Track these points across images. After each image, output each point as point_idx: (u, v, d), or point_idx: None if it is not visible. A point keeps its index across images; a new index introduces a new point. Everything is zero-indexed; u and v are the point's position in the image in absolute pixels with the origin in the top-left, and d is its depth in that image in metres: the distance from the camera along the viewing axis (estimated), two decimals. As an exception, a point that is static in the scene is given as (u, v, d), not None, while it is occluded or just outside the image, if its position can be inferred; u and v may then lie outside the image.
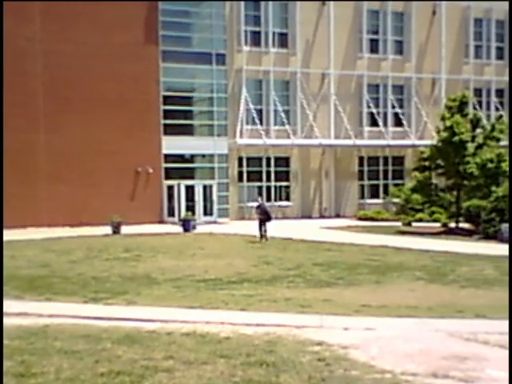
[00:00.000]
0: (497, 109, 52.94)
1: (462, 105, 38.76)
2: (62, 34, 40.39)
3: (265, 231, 31.56)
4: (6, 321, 12.68)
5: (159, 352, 10.22)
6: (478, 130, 39.23)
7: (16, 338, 11.21)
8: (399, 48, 52.23)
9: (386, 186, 51.44)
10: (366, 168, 51.37)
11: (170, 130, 43.33)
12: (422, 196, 40.84)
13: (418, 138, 51.14)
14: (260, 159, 48.14)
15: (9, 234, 32.67)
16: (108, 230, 36.08)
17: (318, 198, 50.29)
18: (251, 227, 35.22)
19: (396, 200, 46.20)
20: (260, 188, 48.22)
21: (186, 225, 37.99)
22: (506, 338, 11.21)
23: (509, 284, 16.29)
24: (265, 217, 32.40)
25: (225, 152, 45.38)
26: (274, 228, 33.47)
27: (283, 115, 48.16)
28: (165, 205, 43.91)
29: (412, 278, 20.08)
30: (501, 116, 42.87)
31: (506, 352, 10.25)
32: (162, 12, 43.12)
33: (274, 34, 48.41)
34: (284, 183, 49.19)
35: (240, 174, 47.50)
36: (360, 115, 51.13)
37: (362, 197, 51.39)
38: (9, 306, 14.43)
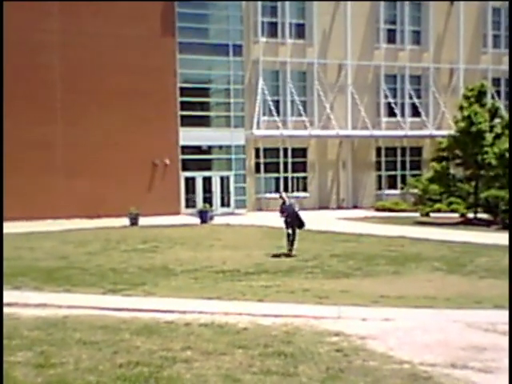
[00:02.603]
0: (515, 98, 52.56)
1: (480, 94, 38.52)
2: (79, 26, 40.49)
3: (292, 240, 22.67)
4: (26, 311, 12.77)
5: (177, 343, 10.24)
6: (497, 120, 38.98)
7: (35, 328, 11.28)
8: (417, 38, 51.95)
9: (403, 177, 51.26)
10: (383, 159, 51.19)
11: (187, 122, 43.37)
12: (440, 186, 40.63)
13: (436, 128, 50.91)
14: (277, 150, 48.10)
15: (27, 226, 32.91)
16: (126, 221, 36.18)
17: (336, 188, 50.21)
18: (268, 218, 35.19)
19: (414, 191, 45.97)
20: (277, 179, 48.21)
21: (204, 216, 38.01)
22: (525, 328, 11.15)
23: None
24: (293, 220, 22.86)
25: (242, 143, 45.38)
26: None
27: (300, 106, 48.09)
28: (182, 196, 43.99)
29: (430, 268, 20.00)
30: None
31: (525, 342, 10.20)
32: (178, 3, 43.15)
33: (290, 24, 48.30)
34: (301, 174, 49.13)
35: (257, 165, 47.49)
36: (377, 106, 50.95)
37: (380, 187, 51.25)
38: (28, 297, 14.54)
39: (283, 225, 23.23)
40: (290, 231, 22.68)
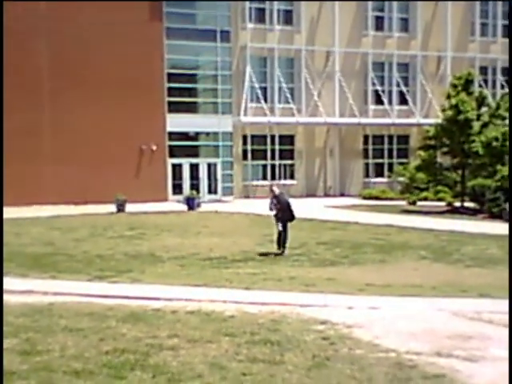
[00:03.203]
0: (502, 87, 52.66)
1: (468, 83, 38.54)
2: (66, 12, 40.21)
3: (284, 239, 20.41)
4: (12, 298, 12.73)
5: (164, 330, 10.25)
6: (484, 109, 39.02)
7: (21, 315, 11.26)
8: (404, 26, 51.92)
9: (390, 165, 51.36)
10: (370, 146, 51.27)
11: (175, 108, 43.26)
12: (427, 175, 40.72)
13: (423, 116, 51.00)
14: (264, 137, 48.05)
15: (13, 212, 32.77)
16: (112, 208, 36.09)
17: (323, 176, 50.27)
18: (255, 205, 35.20)
19: (401, 179, 46.09)
20: (264, 166, 48.21)
21: (191, 203, 37.98)
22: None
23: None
24: (285, 214, 20.62)
25: (229, 130, 45.31)
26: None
27: (288, 93, 48.02)
28: (169, 183, 43.92)
29: (416, 257, 20.07)
30: (506, 94, 42.64)
31: (510, 331, 10.26)
32: (166, -11, 42.92)
33: (278, 11, 48.16)
34: (288, 161, 49.13)
35: (244, 152, 47.44)
36: (365, 93, 50.96)
37: (367, 175, 51.34)
38: (13, 283, 14.49)
39: (273, 220, 20.95)
40: (280, 228, 20.34)
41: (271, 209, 20.87)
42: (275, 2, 47.69)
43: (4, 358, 8.61)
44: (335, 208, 38.80)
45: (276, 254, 19.90)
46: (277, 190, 21.21)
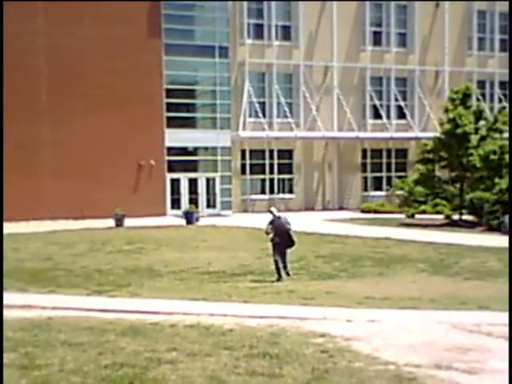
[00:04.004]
0: (500, 100, 52.82)
1: (466, 97, 38.67)
2: (65, 28, 40.34)
3: (285, 266, 18.81)
4: (10, 313, 12.71)
5: (163, 344, 10.23)
6: (481, 122, 39.13)
7: (20, 330, 11.23)
8: (402, 40, 52.10)
9: (389, 179, 51.37)
10: (369, 160, 51.32)
11: (173, 123, 43.33)
12: (426, 188, 40.79)
13: (421, 130, 51.04)
14: (263, 152, 48.09)
15: (12, 227, 32.73)
16: (111, 222, 36.11)
17: (321, 190, 50.29)
18: (254, 220, 35.20)
19: (399, 192, 46.12)
20: (263, 181, 48.23)
21: (189, 217, 37.99)
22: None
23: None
24: (283, 240, 18.93)
25: (228, 145, 45.36)
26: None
27: (286, 108, 48.11)
28: (168, 197, 43.92)
29: (415, 270, 20.08)
30: (504, 108, 42.78)
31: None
32: (164, 5, 43.10)
33: (276, 26, 48.33)
34: (287, 176, 49.15)
35: (243, 166, 47.47)
36: (363, 108, 51.06)
37: (365, 189, 51.36)
38: (12, 298, 14.46)
39: (270, 248, 19.20)
40: (277, 258, 18.61)
41: (267, 233, 19.15)
42: (273, 18, 47.85)
43: (3, 372, 8.59)
44: (334, 221, 38.80)
45: (279, 279, 18.15)
46: (276, 214, 19.41)
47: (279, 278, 18.22)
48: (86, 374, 8.63)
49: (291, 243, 18.96)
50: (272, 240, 18.91)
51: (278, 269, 18.43)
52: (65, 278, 18.25)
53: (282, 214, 20.08)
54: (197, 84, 46.51)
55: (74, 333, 11.01)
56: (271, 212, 19.61)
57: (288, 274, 18.62)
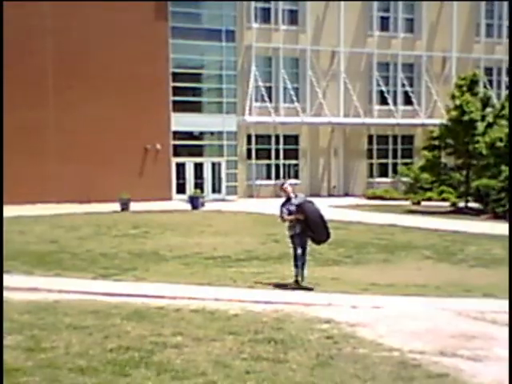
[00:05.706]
0: (507, 87, 52.57)
1: (473, 83, 38.54)
2: (71, 11, 40.27)
3: (303, 265, 14.57)
4: (16, 295, 12.75)
5: (168, 328, 10.25)
6: (488, 109, 39.03)
7: (26, 312, 11.27)
8: (410, 26, 51.88)
9: (395, 165, 51.32)
10: (375, 146, 51.24)
11: (179, 107, 43.29)
12: (431, 175, 40.75)
13: (428, 116, 50.94)
14: (269, 137, 48.05)
15: (17, 210, 32.81)
16: (117, 206, 36.12)
17: (327, 176, 50.26)
18: (259, 205, 35.19)
19: (405, 179, 46.10)
20: (269, 166, 48.21)
21: (195, 202, 37.98)
22: (514, 317, 11.21)
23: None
24: (317, 229, 14.38)
25: (233, 129, 45.33)
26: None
27: (292, 93, 48.04)
28: (173, 182, 43.95)
29: (420, 256, 20.07)
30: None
31: (514, 331, 10.25)
32: (171, -12, 42.96)
33: (283, 10, 48.17)
34: (293, 161, 49.12)
35: (249, 151, 47.45)
36: (370, 93, 50.94)
37: (371, 175, 51.31)
38: (18, 281, 14.52)
39: (289, 240, 14.89)
40: (299, 251, 14.46)
41: (283, 218, 14.58)
42: (280, 2, 47.68)
43: (9, 354, 8.63)
44: (339, 208, 38.73)
45: (296, 281, 14.60)
46: (292, 194, 14.78)
47: (297, 281, 14.55)
48: (91, 357, 8.66)
49: (327, 236, 14.57)
50: (290, 229, 14.61)
51: (296, 264, 14.54)
52: (70, 261, 18.28)
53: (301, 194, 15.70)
54: (203, 68, 46.46)
55: (79, 316, 11.04)
56: (283, 189, 15.07)
57: (297, 281, 14.53)
